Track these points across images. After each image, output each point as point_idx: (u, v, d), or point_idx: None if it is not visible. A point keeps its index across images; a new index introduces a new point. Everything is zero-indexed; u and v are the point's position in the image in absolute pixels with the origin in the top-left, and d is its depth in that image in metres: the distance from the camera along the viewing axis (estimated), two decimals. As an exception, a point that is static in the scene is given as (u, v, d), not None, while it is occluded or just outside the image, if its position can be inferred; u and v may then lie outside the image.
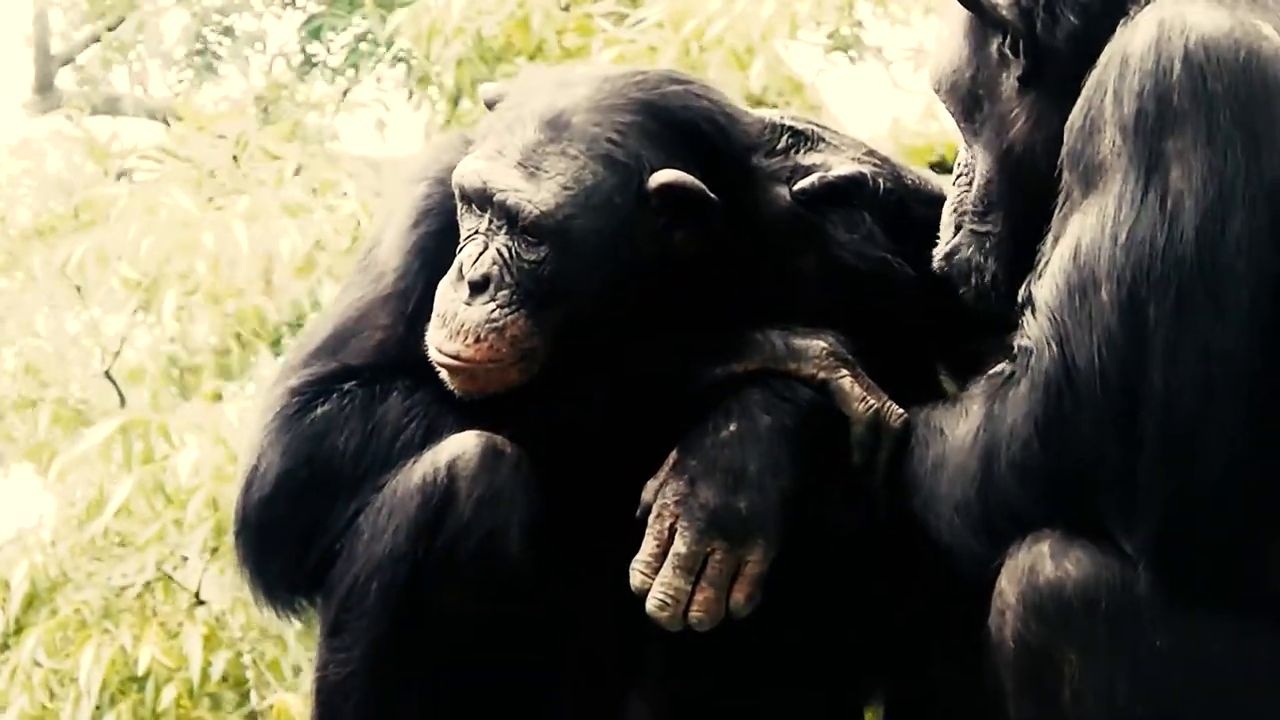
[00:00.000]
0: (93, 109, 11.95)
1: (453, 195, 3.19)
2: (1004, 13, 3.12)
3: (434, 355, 3.13)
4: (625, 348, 3.17)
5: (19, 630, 7.74)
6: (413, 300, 3.22)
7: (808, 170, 3.38)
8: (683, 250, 3.16)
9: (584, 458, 3.18)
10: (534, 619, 3.15)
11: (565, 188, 3.12)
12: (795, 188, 3.34)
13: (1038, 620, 2.87)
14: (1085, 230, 2.89)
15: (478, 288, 3.11)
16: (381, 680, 3.12)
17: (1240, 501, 2.82)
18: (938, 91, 3.27)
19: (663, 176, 3.12)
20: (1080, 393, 2.85)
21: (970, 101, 3.22)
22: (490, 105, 3.25)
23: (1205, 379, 2.81)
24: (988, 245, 3.22)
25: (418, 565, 3.08)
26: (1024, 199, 3.14)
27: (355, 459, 3.14)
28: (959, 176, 3.29)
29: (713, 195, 3.12)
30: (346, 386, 3.18)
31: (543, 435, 3.15)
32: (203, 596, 7.80)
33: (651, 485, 3.15)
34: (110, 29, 13.78)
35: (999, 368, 2.98)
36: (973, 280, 3.24)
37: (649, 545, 3.11)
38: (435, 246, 3.23)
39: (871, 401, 3.16)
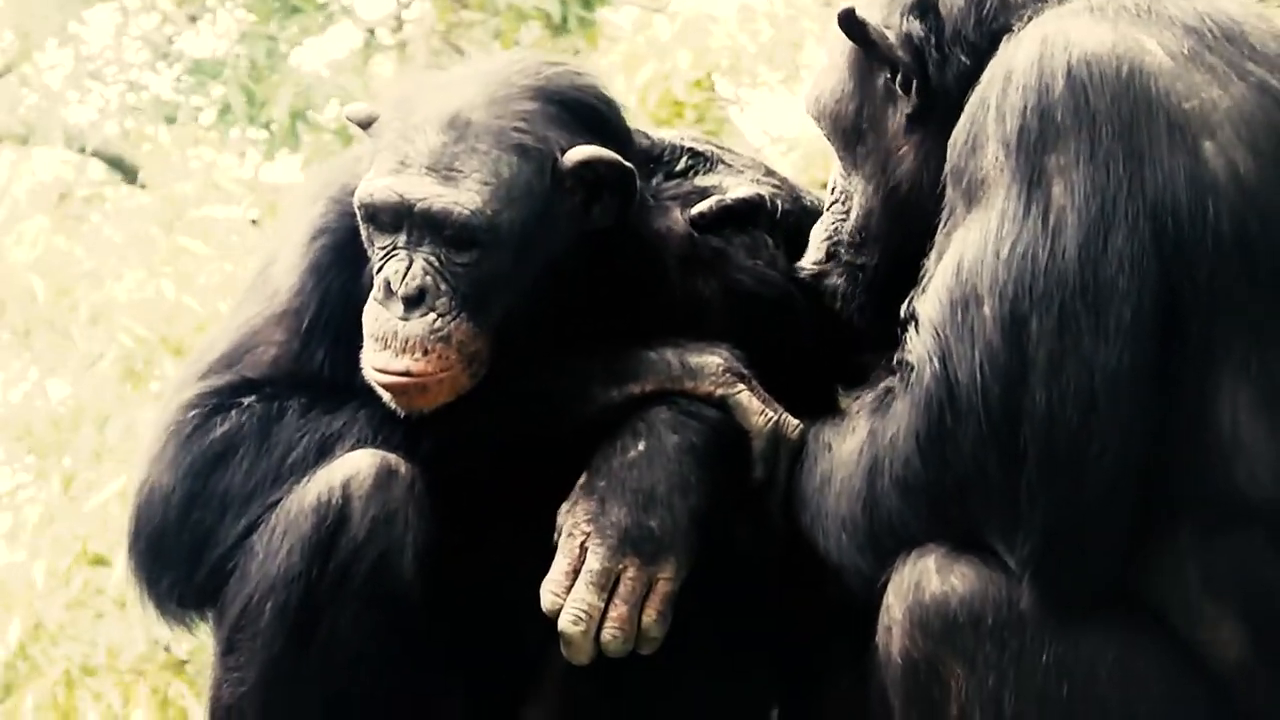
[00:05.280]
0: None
1: (348, 214, 3.18)
2: (897, 51, 3.11)
3: (378, 378, 3.09)
4: (522, 372, 3.17)
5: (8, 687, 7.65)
6: (307, 317, 3.22)
7: (704, 193, 3.38)
8: (600, 225, 3.17)
9: (482, 481, 3.17)
10: (428, 639, 3.13)
11: (485, 183, 3.10)
12: (692, 212, 3.33)
13: (924, 635, 2.86)
14: (968, 246, 2.88)
15: (413, 302, 3.08)
16: (275, 700, 3.10)
17: (1123, 516, 2.82)
18: (817, 119, 3.25)
19: (576, 154, 3.13)
20: (961, 408, 2.84)
21: (852, 134, 3.21)
22: (363, 125, 3.23)
23: (1088, 395, 2.80)
24: (860, 278, 3.24)
25: (311, 586, 3.06)
26: (906, 235, 3.13)
27: (248, 475, 3.13)
28: (834, 201, 3.28)
29: (626, 162, 3.14)
30: (244, 401, 3.17)
31: (440, 459, 3.14)
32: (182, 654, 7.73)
33: (564, 508, 3.14)
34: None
35: (885, 383, 2.99)
36: (840, 308, 3.26)
37: (560, 565, 3.10)
38: (329, 264, 3.23)
39: (770, 414, 3.17)
